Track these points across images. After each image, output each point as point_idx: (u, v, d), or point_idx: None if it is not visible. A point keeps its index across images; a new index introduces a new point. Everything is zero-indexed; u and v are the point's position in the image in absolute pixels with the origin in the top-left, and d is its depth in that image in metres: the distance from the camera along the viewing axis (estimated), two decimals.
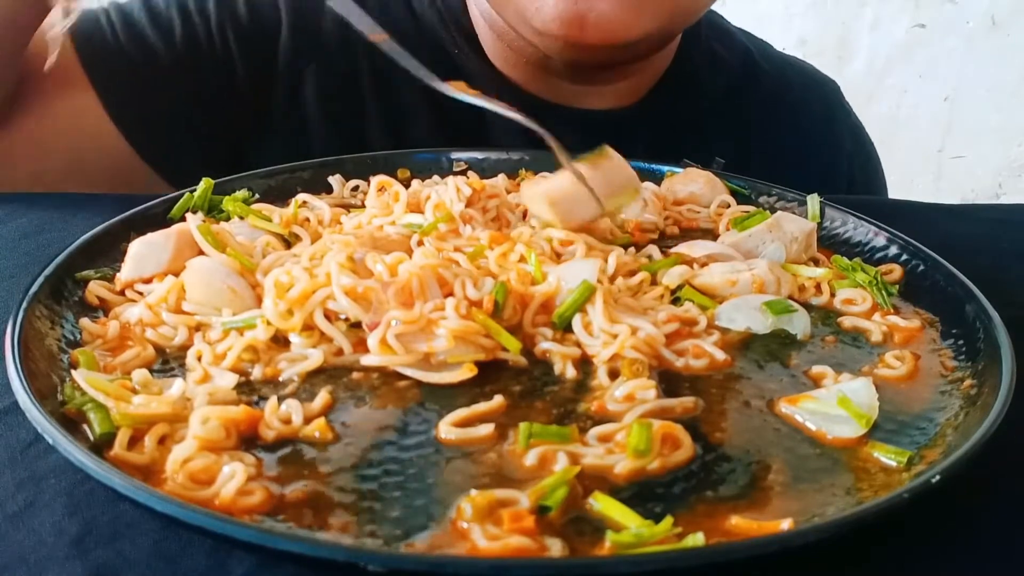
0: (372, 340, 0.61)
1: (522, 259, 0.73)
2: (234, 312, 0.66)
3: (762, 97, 1.21)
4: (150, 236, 0.74)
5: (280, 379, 0.60)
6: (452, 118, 1.09)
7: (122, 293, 0.71)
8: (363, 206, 0.88)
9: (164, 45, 1.05)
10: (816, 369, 0.65)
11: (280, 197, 0.90)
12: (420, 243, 0.76)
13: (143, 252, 0.72)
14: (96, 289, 0.70)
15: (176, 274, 0.70)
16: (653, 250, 0.81)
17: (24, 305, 0.63)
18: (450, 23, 1.11)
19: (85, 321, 0.66)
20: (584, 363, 0.64)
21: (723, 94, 1.19)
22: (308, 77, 1.09)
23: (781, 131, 1.20)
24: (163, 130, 1.05)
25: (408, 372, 0.61)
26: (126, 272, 0.71)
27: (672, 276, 0.75)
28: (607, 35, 0.91)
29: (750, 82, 1.21)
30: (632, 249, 0.80)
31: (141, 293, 0.70)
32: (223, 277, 0.68)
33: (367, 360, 0.62)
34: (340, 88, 1.10)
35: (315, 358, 0.61)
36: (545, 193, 0.77)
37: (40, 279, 0.67)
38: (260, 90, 1.09)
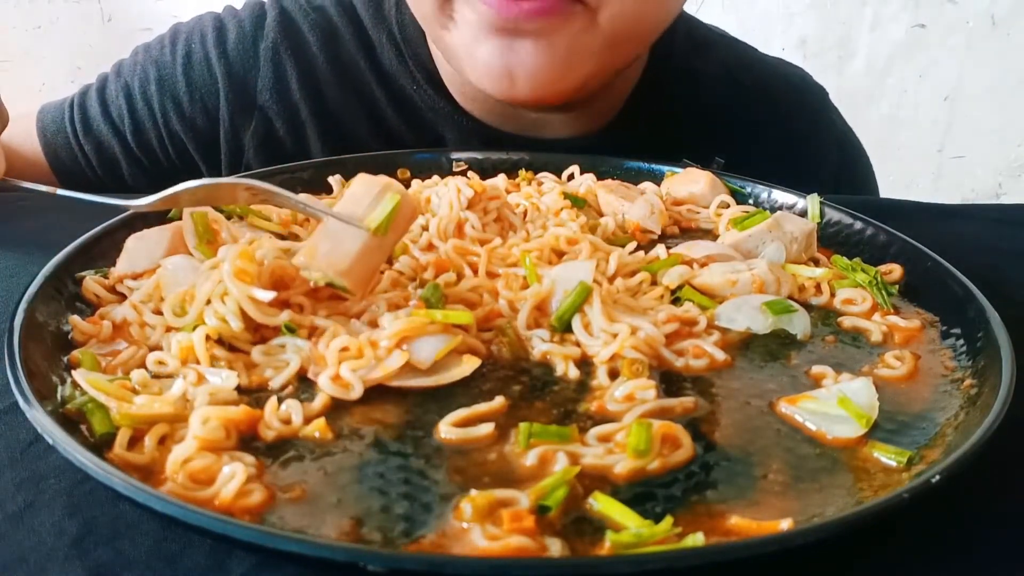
0: (323, 380, 0.59)
1: (515, 263, 0.73)
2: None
3: (742, 112, 1.16)
4: (145, 232, 0.74)
5: (270, 386, 0.60)
6: (404, 148, 1.09)
7: (114, 289, 0.71)
8: None
9: (116, 139, 1.11)
10: (816, 369, 0.65)
11: None
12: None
13: (136, 247, 0.72)
14: (92, 286, 0.70)
15: None
16: (660, 250, 0.81)
17: (24, 305, 0.63)
18: (408, 57, 1.08)
19: (76, 319, 0.65)
20: (584, 363, 0.64)
21: (700, 112, 1.14)
22: (249, 136, 1.09)
23: (761, 146, 1.15)
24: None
25: (412, 383, 0.60)
26: (119, 267, 0.71)
27: (672, 276, 0.75)
28: (539, 87, 0.88)
29: (730, 97, 1.16)
30: (641, 252, 0.80)
31: (132, 289, 0.70)
32: (196, 276, 0.66)
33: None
34: (283, 139, 1.10)
35: (295, 362, 0.61)
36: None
37: (40, 279, 0.67)
38: (209, 158, 1.11)
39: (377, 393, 0.59)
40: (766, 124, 1.17)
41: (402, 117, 1.09)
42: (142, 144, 1.11)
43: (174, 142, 1.11)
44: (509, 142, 1.07)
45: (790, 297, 0.74)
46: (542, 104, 0.95)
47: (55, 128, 1.11)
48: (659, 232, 0.88)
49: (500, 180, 0.94)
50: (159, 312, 0.65)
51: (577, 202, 0.89)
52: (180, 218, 0.79)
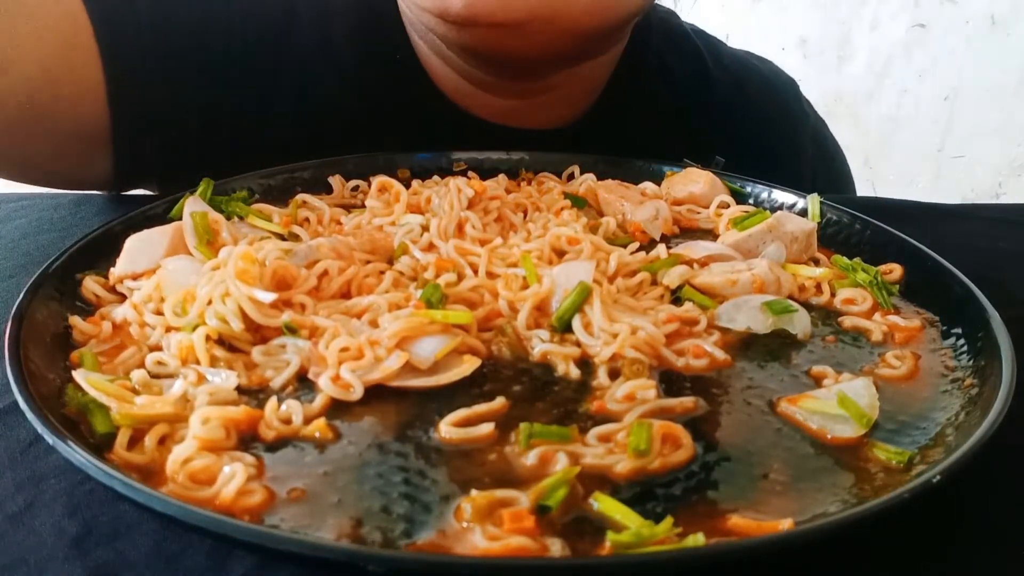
0: (324, 381, 0.59)
1: (515, 263, 0.73)
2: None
3: (717, 107, 1.16)
4: (145, 232, 0.74)
5: (270, 386, 0.60)
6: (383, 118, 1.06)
7: (114, 290, 0.71)
8: (363, 206, 0.88)
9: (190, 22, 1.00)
10: (816, 369, 0.65)
11: (280, 197, 0.90)
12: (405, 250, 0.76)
13: (137, 247, 0.72)
14: (91, 285, 0.70)
15: None
16: (661, 250, 0.81)
17: (24, 305, 0.63)
18: (395, 23, 1.04)
19: (76, 319, 0.65)
20: (584, 363, 0.64)
21: (675, 104, 1.13)
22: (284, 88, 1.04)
23: (738, 141, 1.14)
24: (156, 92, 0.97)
25: (412, 383, 0.60)
26: (119, 267, 0.71)
27: (672, 276, 0.75)
28: (477, 4, 0.84)
29: (704, 90, 1.15)
30: (642, 252, 0.80)
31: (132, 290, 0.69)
32: (198, 277, 0.66)
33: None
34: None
35: (295, 362, 0.61)
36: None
37: (40, 279, 0.67)
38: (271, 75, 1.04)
39: (377, 393, 0.59)
40: (741, 116, 1.17)
41: (379, 83, 1.05)
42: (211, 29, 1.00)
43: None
44: (489, 130, 1.05)
45: (790, 297, 0.74)
46: (476, 28, 0.88)
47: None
48: (658, 237, 0.88)
49: (500, 180, 0.94)
50: (160, 312, 0.65)
51: (577, 202, 0.89)
52: (180, 218, 0.79)
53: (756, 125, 1.18)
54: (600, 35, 0.94)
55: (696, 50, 1.18)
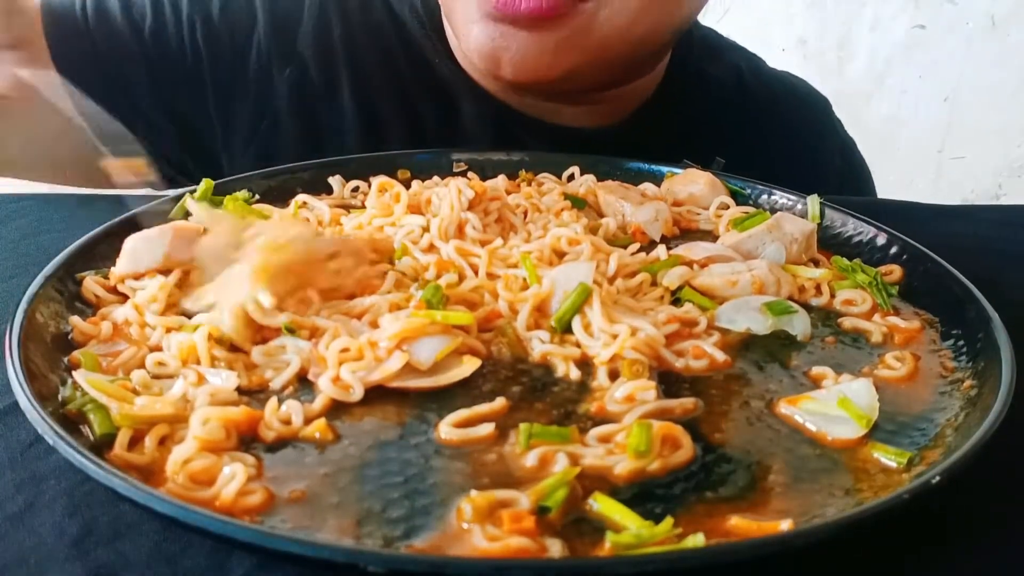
0: (324, 382, 0.59)
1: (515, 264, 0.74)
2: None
3: (750, 117, 1.19)
4: (146, 231, 0.74)
5: (270, 387, 0.60)
6: (425, 126, 1.09)
7: (114, 290, 0.71)
8: (363, 207, 0.88)
9: (131, 33, 1.04)
10: (816, 370, 0.65)
11: (280, 197, 0.90)
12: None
13: (138, 247, 0.72)
14: (91, 286, 0.70)
15: (168, 272, 0.70)
16: (661, 251, 0.81)
17: (24, 306, 0.63)
18: (431, 30, 1.09)
19: (76, 319, 0.65)
20: (584, 364, 0.64)
21: (710, 114, 1.17)
22: (281, 82, 1.08)
23: (768, 152, 1.18)
24: (126, 122, 0.99)
25: (412, 384, 0.60)
26: (120, 267, 0.71)
27: (672, 277, 0.75)
28: (523, 73, 0.92)
29: (738, 102, 1.19)
30: (642, 253, 0.80)
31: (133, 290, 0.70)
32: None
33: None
34: (317, 88, 1.08)
35: (295, 363, 0.61)
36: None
37: (40, 279, 0.67)
38: (228, 91, 1.08)
39: (377, 394, 0.59)
40: (773, 129, 1.20)
41: (423, 88, 1.10)
42: (160, 43, 1.05)
43: (195, 49, 1.06)
44: (525, 123, 1.09)
45: (790, 298, 0.74)
46: (526, 87, 0.99)
47: (62, 11, 1.02)
48: (658, 238, 0.88)
49: (500, 181, 0.94)
50: (163, 313, 0.65)
51: (577, 203, 0.89)
52: (180, 218, 0.79)
53: (788, 137, 1.21)
54: (642, 60, 1.02)
55: (733, 62, 1.22)
